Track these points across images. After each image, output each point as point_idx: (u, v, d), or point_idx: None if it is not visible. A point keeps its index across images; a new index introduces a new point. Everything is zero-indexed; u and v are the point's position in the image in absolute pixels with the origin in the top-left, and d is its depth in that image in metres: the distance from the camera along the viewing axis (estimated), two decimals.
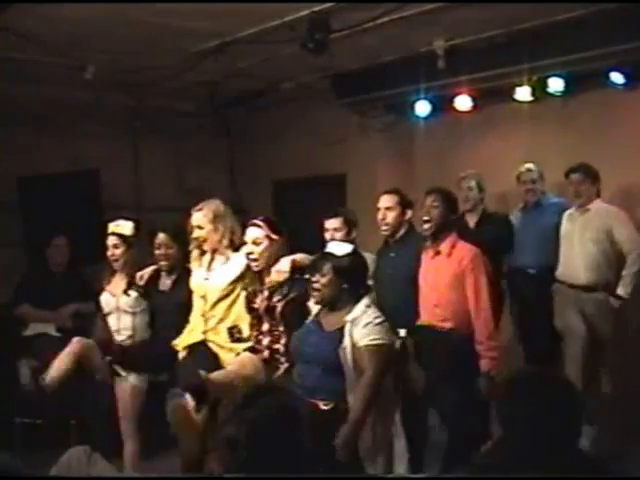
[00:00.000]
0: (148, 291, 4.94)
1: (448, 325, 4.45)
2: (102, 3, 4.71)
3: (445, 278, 4.47)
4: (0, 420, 5.38)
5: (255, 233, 4.35)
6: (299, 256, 4.36)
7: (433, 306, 4.51)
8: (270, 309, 4.30)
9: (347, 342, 3.75)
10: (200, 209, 4.58)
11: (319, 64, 5.90)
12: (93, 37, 5.39)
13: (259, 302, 4.37)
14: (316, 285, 3.91)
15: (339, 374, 3.77)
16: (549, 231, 5.57)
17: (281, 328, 4.26)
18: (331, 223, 4.99)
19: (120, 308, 4.92)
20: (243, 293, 4.51)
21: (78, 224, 6.54)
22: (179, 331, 4.67)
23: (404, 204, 4.90)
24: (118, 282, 4.98)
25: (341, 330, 3.81)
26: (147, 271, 4.93)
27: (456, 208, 4.81)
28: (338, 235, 4.90)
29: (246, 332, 4.48)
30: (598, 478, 2.47)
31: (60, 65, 5.86)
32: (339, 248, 3.97)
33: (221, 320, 4.52)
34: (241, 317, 4.50)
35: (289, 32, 5.10)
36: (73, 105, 6.95)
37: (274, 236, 4.34)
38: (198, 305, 4.61)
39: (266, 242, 4.32)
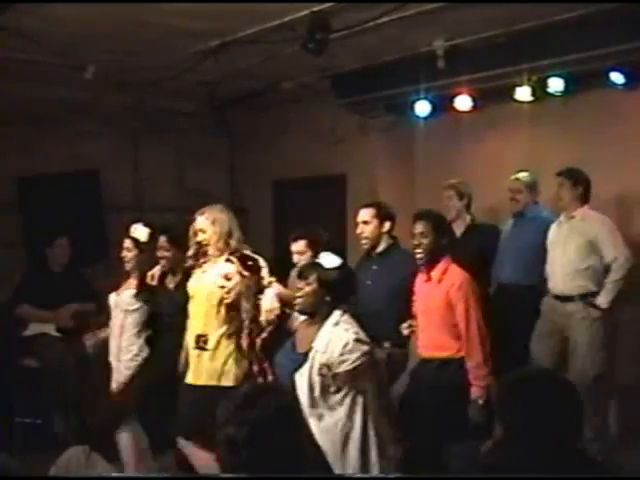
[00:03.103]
0: (156, 291, 5.01)
1: (432, 352, 4.41)
2: (102, 3, 4.71)
3: (435, 303, 4.40)
4: (0, 420, 5.39)
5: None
6: (283, 291, 4.43)
7: (420, 330, 4.49)
8: (252, 346, 4.31)
9: (306, 369, 3.75)
10: (203, 213, 4.60)
11: (319, 64, 5.90)
12: (93, 37, 5.39)
13: (242, 340, 4.34)
14: (299, 293, 3.93)
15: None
16: (528, 246, 5.46)
17: (265, 364, 4.28)
18: (294, 247, 4.99)
19: (119, 306, 4.96)
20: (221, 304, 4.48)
21: (78, 224, 6.54)
22: (181, 330, 4.68)
23: (381, 217, 4.90)
24: (130, 282, 5.03)
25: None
26: (155, 270, 5.02)
27: (447, 230, 4.70)
28: (303, 257, 4.90)
29: (211, 344, 4.39)
30: (598, 478, 2.47)
31: (60, 65, 5.85)
32: (328, 260, 3.98)
33: (195, 325, 4.49)
34: (211, 328, 4.43)
35: (289, 32, 5.10)
36: (73, 105, 6.94)
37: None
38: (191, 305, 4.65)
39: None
